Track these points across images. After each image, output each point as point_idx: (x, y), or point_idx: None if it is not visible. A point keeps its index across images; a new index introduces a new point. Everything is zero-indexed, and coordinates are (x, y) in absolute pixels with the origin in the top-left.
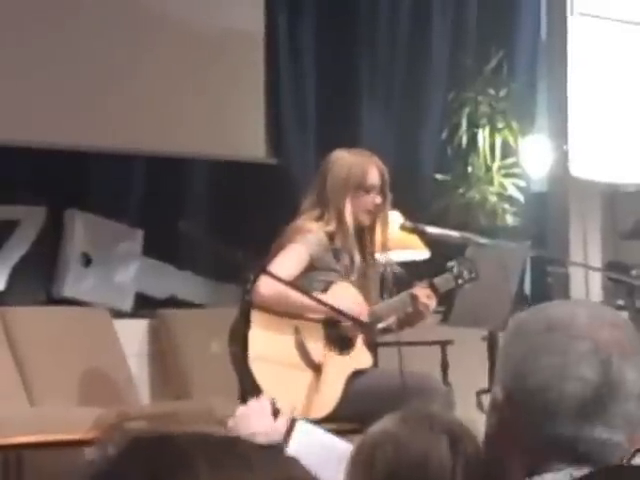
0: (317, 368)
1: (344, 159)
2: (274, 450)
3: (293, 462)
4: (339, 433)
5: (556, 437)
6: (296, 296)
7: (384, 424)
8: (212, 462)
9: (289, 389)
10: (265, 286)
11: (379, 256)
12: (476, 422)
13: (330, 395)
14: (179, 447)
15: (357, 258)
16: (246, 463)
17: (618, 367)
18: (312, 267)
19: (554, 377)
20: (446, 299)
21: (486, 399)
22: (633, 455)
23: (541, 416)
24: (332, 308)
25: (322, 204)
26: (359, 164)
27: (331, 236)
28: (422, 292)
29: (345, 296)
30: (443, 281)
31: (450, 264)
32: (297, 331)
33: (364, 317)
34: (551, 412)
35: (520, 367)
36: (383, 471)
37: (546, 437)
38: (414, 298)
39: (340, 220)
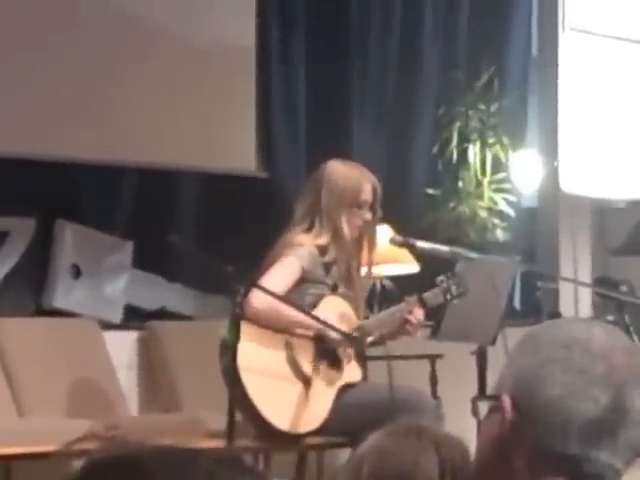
0: (307, 381)
1: (340, 172)
2: (237, 463)
3: (258, 474)
4: (328, 447)
5: (561, 455)
6: (287, 310)
7: (372, 439)
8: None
9: (279, 401)
10: (257, 299)
11: (366, 271)
12: (467, 432)
13: (320, 408)
14: (143, 468)
15: (353, 271)
16: (210, 478)
17: (630, 394)
18: (303, 280)
19: (567, 395)
20: (435, 314)
21: (481, 406)
22: None
23: (550, 432)
24: (323, 322)
25: (314, 215)
26: (355, 180)
27: (322, 249)
28: (411, 307)
29: (336, 310)
30: (432, 296)
31: (439, 279)
32: (287, 344)
33: (354, 331)
34: (560, 430)
35: (533, 378)
36: (370, 473)
37: (550, 453)
38: (405, 321)
39: (336, 234)
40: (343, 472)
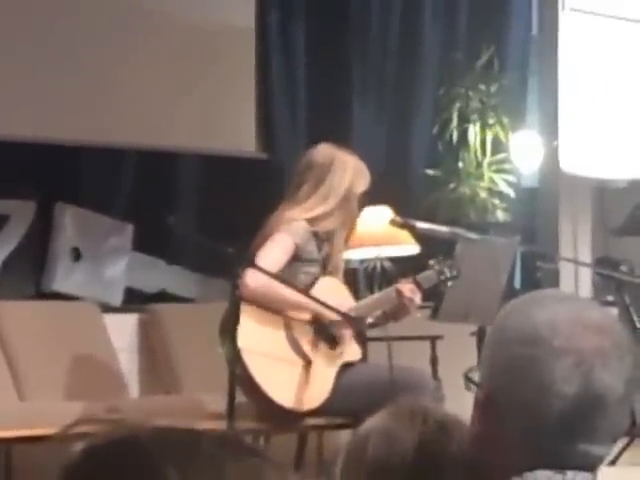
0: (307, 360)
1: (348, 164)
2: (240, 444)
3: (263, 456)
4: (329, 428)
5: (542, 450)
6: (283, 289)
7: (376, 419)
8: (179, 463)
9: (280, 381)
10: (252, 279)
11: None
12: (467, 414)
13: (321, 387)
14: (144, 450)
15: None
16: (214, 461)
17: (600, 379)
18: (296, 258)
19: (538, 394)
20: (435, 294)
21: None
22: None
23: (524, 429)
24: (320, 302)
25: (314, 188)
26: (364, 177)
27: (312, 221)
28: (406, 287)
29: (332, 290)
30: (426, 277)
31: (432, 262)
32: (287, 324)
33: (350, 311)
34: (535, 427)
35: (505, 376)
36: (374, 464)
37: (529, 448)
38: (399, 293)
39: (349, 217)
40: (346, 453)
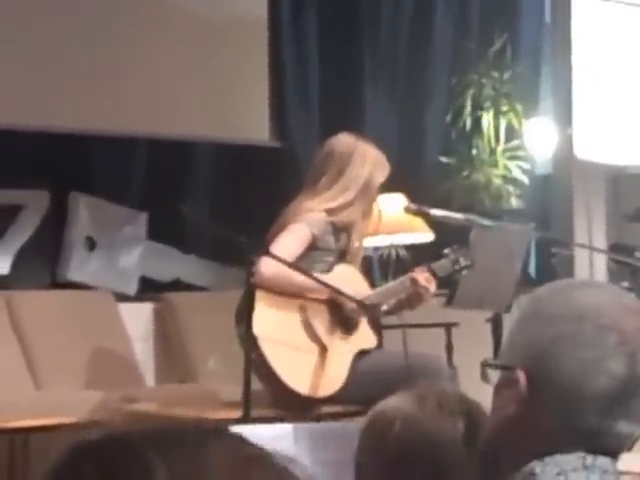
0: (323, 347)
1: (368, 155)
2: (228, 434)
3: (250, 445)
4: (344, 415)
5: (579, 429)
6: (298, 277)
7: (399, 401)
8: (166, 457)
9: (297, 368)
10: (267, 266)
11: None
12: (482, 401)
13: (337, 374)
14: (131, 446)
15: (356, 242)
16: (201, 452)
17: None
18: (313, 247)
19: (583, 370)
20: (450, 282)
21: (492, 373)
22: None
23: (566, 407)
24: (335, 289)
25: (335, 179)
26: (382, 168)
27: (331, 212)
28: (421, 276)
29: (348, 278)
30: (440, 266)
31: (446, 251)
32: (302, 311)
33: (366, 299)
34: (577, 405)
35: (546, 354)
36: (395, 447)
37: (568, 428)
38: (414, 281)
39: (367, 211)
40: (366, 435)
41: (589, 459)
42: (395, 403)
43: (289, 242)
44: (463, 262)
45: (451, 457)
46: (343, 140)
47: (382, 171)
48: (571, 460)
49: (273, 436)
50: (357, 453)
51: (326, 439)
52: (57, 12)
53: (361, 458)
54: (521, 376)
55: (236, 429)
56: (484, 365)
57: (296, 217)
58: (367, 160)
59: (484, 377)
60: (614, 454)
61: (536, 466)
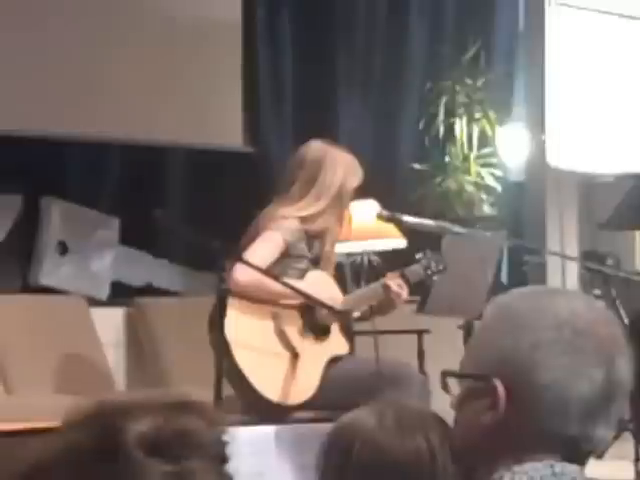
0: (295, 354)
1: (339, 161)
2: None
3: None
4: (316, 421)
5: (560, 436)
6: (272, 283)
7: (359, 418)
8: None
9: (269, 374)
10: (241, 273)
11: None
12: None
13: (308, 381)
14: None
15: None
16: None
17: (618, 365)
18: (286, 254)
19: (564, 377)
20: (422, 288)
21: (452, 381)
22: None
23: (548, 415)
24: (307, 296)
25: (306, 187)
26: (354, 173)
27: (305, 220)
28: (394, 281)
29: (320, 284)
30: (413, 272)
31: (418, 256)
32: (275, 317)
33: (338, 305)
34: (560, 412)
35: (525, 362)
36: (359, 471)
37: (549, 436)
38: (386, 287)
39: (340, 215)
40: (327, 452)
41: (558, 467)
42: (354, 421)
43: (263, 249)
44: (435, 267)
45: (416, 474)
46: (314, 147)
47: (355, 176)
48: (539, 468)
49: (255, 438)
50: (319, 473)
51: (308, 441)
52: (29, 16)
53: (323, 478)
54: (499, 386)
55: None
56: (446, 374)
57: (270, 224)
58: (338, 166)
59: (444, 387)
60: (584, 460)
61: (504, 475)
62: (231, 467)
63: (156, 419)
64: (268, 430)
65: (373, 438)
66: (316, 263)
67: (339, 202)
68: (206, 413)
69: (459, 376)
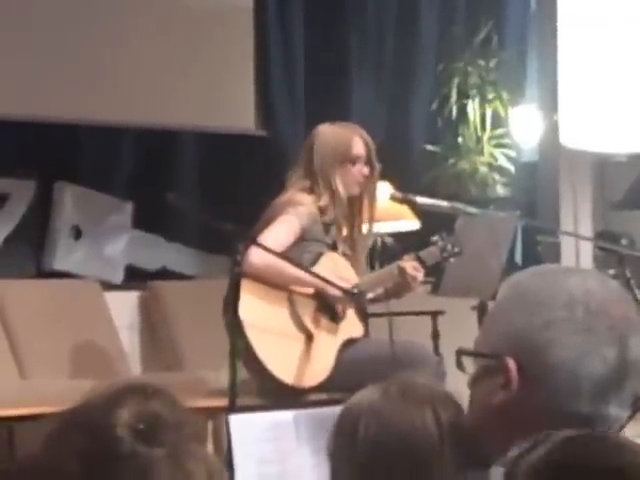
0: (309, 336)
1: (327, 132)
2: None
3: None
4: (330, 403)
5: (573, 414)
6: (286, 267)
7: (365, 395)
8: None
9: (283, 357)
10: (255, 256)
11: (367, 227)
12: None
13: (323, 363)
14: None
15: (345, 230)
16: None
17: (633, 344)
18: (302, 239)
19: (577, 356)
20: (436, 270)
21: (468, 361)
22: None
23: (560, 393)
24: (322, 279)
25: (310, 178)
26: (342, 136)
27: (322, 210)
28: (409, 264)
29: (335, 267)
30: (428, 254)
31: (434, 238)
32: (289, 299)
33: (353, 287)
34: (572, 390)
35: (537, 341)
36: (367, 444)
37: (562, 413)
38: (401, 270)
39: (331, 192)
40: (337, 433)
41: None
42: (364, 398)
43: (278, 233)
44: (451, 249)
45: (424, 444)
46: (315, 129)
47: (349, 143)
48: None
49: (274, 423)
50: (329, 455)
51: (328, 425)
52: (45, 4)
53: (333, 462)
54: (511, 364)
55: (237, 417)
56: (460, 353)
57: (286, 209)
58: (327, 142)
59: (460, 366)
60: None
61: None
62: (250, 453)
63: (133, 407)
64: (287, 415)
65: (378, 410)
66: (334, 248)
67: (346, 173)
68: (167, 397)
69: (473, 354)
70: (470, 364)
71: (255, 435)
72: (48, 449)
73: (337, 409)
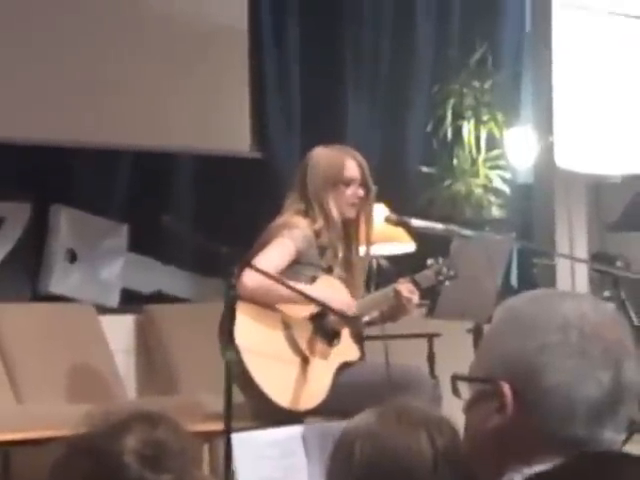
0: (305, 359)
1: (321, 155)
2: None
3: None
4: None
5: (568, 438)
6: (281, 289)
7: (361, 419)
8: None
9: (279, 380)
10: (250, 279)
11: (364, 250)
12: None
13: (319, 386)
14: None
15: (341, 253)
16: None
17: (626, 369)
18: (297, 262)
19: (571, 380)
20: (431, 292)
21: (464, 386)
22: None
23: (555, 417)
24: (317, 301)
25: (305, 201)
26: (335, 159)
27: (317, 233)
28: (405, 287)
29: (330, 290)
30: (424, 277)
31: (430, 261)
32: (285, 323)
33: (349, 311)
34: (567, 414)
35: (532, 365)
36: (362, 468)
37: (557, 438)
38: (397, 293)
39: (325, 216)
40: (334, 457)
41: None
42: (360, 422)
43: (273, 256)
44: (447, 273)
45: (418, 467)
46: (308, 155)
47: (343, 164)
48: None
49: (284, 438)
50: (325, 477)
51: (331, 440)
52: (39, 24)
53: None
54: (506, 388)
55: (248, 434)
56: (455, 379)
57: (282, 232)
58: (320, 165)
59: (455, 391)
60: None
61: (514, 477)
62: (253, 471)
63: (139, 434)
64: (290, 431)
65: (373, 433)
66: (329, 271)
67: (339, 194)
68: (171, 423)
69: (468, 380)
70: (465, 389)
71: (258, 453)
72: (55, 475)
73: (342, 424)
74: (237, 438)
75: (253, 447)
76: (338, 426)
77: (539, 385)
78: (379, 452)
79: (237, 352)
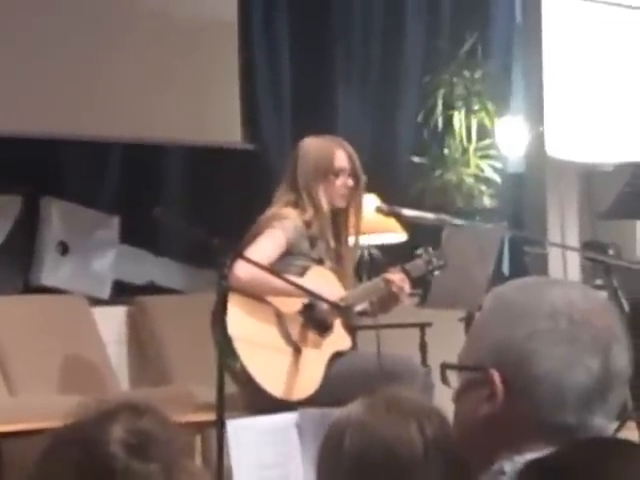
0: (297, 350)
1: (310, 146)
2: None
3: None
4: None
5: (558, 425)
6: (273, 280)
7: (351, 409)
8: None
9: (271, 370)
10: (242, 270)
11: (354, 240)
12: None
13: (312, 376)
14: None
15: (332, 243)
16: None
17: (615, 355)
18: (288, 253)
19: (561, 367)
20: (423, 282)
21: (453, 374)
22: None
23: (545, 404)
24: (309, 292)
25: (295, 192)
26: (325, 149)
27: (308, 224)
28: (396, 276)
29: (322, 280)
30: (414, 267)
31: (419, 251)
32: (277, 313)
33: (340, 301)
34: (556, 401)
35: (521, 352)
36: (351, 457)
37: (547, 425)
38: (388, 282)
39: (315, 206)
40: (323, 448)
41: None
42: (349, 412)
43: (264, 247)
44: (436, 262)
45: (408, 456)
46: (297, 145)
47: (331, 156)
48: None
49: (278, 425)
50: (315, 467)
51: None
52: (27, 16)
53: (319, 473)
54: (495, 376)
55: (242, 421)
56: (445, 367)
57: (272, 223)
58: (309, 155)
59: (444, 380)
60: None
61: (505, 465)
62: (249, 458)
63: (124, 424)
64: (289, 417)
65: (363, 422)
66: (320, 262)
67: (329, 185)
68: (157, 414)
69: (457, 368)
70: (455, 378)
71: (252, 439)
72: (43, 465)
73: (336, 412)
74: (231, 425)
75: (247, 434)
76: (332, 413)
77: (529, 372)
78: (369, 442)
79: (230, 342)
